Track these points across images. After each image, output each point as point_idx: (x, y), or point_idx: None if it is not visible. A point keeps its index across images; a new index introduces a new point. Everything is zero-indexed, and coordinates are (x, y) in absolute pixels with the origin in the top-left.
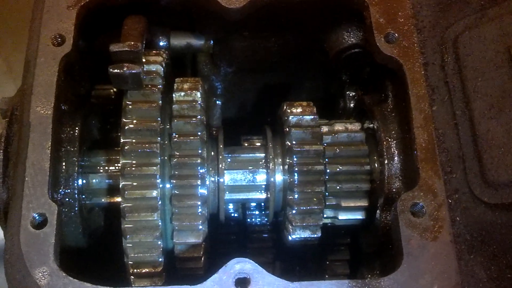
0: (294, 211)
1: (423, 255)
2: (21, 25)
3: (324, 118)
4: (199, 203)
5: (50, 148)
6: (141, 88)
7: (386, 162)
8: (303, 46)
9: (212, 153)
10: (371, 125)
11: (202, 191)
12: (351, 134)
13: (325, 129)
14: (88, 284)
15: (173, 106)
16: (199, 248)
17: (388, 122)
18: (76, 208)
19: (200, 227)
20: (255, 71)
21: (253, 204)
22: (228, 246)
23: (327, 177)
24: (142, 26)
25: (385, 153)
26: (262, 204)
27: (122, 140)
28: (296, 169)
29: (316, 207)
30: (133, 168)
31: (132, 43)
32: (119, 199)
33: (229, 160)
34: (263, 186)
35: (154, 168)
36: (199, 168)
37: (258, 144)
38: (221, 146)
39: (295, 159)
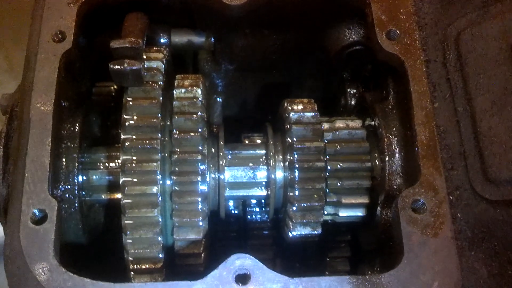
0: (294, 208)
1: (424, 251)
2: (22, 23)
3: (325, 115)
4: (199, 199)
5: (50, 144)
6: (141, 84)
7: (387, 159)
8: (304, 43)
9: (213, 150)
10: (372, 122)
11: (203, 187)
12: (352, 131)
13: (326, 126)
14: (87, 279)
15: (174, 102)
16: (199, 244)
17: (389, 119)
18: (76, 204)
19: (201, 223)
20: (256, 69)
21: (254, 201)
22: (228, 242)
23: (327, 174)
24: (143, 22)
25: (386, 150)
26: (263, 201)
27: (122, 137)
28: (297, 166)
29: (316, 204)
30: (134, 165)
31: (133, 39)
32: (119, 195)
33: (229, 157)
34: (264, 183)
35: (155, 164)
36: (199, 164)
37: (259, 141)
38: (221, 142)
39: (295, 156)
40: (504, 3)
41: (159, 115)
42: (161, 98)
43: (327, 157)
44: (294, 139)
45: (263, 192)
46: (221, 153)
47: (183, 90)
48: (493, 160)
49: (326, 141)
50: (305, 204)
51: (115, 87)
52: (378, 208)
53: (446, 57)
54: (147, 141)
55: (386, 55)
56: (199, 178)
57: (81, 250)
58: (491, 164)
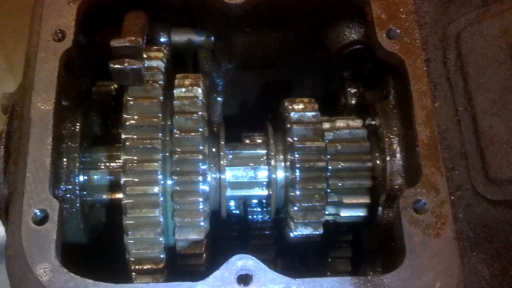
0: (296, 208)
1: (426, 252)
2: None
3: (325, 114)
4: (200, 199)
5: (51, 144)
6: (142, 84)
7: (388, 158)
8: (304, 43)
9: (214, 150)
10: (373, 122)
11: (204, 187)
12: (352, 131)
13: (326, 125)
14: (89, 280)
15: (174, 102)
16: (201, 244)
17: (390, 118)
18: (77, 204)
19: (202, 223)
20: (256, 68)
21: (255, 200)
22: (230, 242)
23: (329, 173)
24: (143, 21)
25: (387, 150)
26: (264, 200)
27: (123, 136)
28: (298, 165)
29: (318, 204)
30: (135, 164)
31: (133, 38)
32: (120, 195)
33: (230, 156)
34: (265, 183)
35: (156, 164)
36: (200, 164)
37: (260, 140)
38: (222, 142)
39: (296, 155)
40: (504, 1)
41: (160, 114)
42: (161, 97)
43: (328, 156)
44: (295, 138)
45: (264, 192)
46: (222, 153)
47: (183, 90)
48: (494, 159)
49: (327, 140)
50: (306, 204)
51: (115, 86)
52: (379, 208)
53: (446, 56)
54: (148, 141)
55: (386, 54)
56: (200, 178)
57: (82, 250)
58: (492, 164)
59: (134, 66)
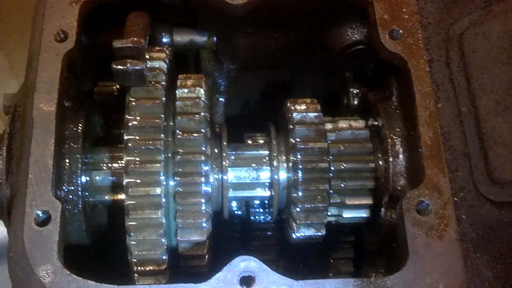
0: (298, 209)
1: (429, 253)
2: (23, 22)
3: (327, 115)
4: (203, 200)
5: (53, 145)
6: (144, 84)
7: (390, 159)
8: (306, 43)
9: (216, 150)
10: (376, 123)
11: (206, 188)
12: (355, 132)
13: (329, 126)
14: (92, 282)
15: (177, 103)
16: (203, 246)
17: (393, 119)
18: (80, 206)
19: (204, 224)
20: (258, 68)
21: (257, 201)
22: (232, 243)
23: (331, 174)
24: (145, 22)
25: (389, 151)
26: (266, 201)
27: (125, 137)
28: (300, 166)
29: (320, 205)
30: (137, 165)
31: (136, 39)
32: (122, 196)
33: (232, 157)
34: (267, 184)
35: (158, 165)
36: (203, 165)
37: (262, 141)
38: (224, 143)
39: (299, 156)
40: (507, 2)
41: (162, 115)
42: (164, 98)
43: (331, 157)
44: (298, 139)
45: (266, 193)
46: (224, 154)
47: (185, 90)
48: (497, 161)
49: (329, 141)
50: (308, 205)
51: (117, 86)
52: (382, 209)
53: (449, 57)
54: (151, 142)
55: (389, 55)
56: (202, 179)
57: (84, 251)
58: (496, 165)
59: (136, 67)
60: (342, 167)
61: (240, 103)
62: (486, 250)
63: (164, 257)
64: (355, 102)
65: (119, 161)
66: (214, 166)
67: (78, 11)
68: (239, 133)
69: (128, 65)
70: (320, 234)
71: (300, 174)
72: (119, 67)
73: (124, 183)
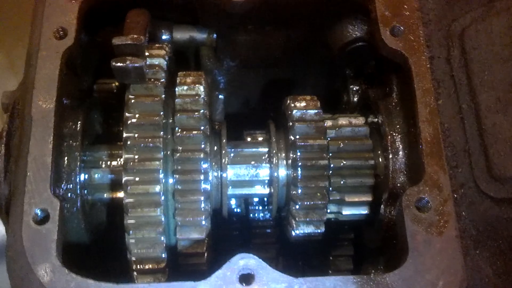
0: (297, 206)
1: (429, 250)
2: (22, 20)
3: (328, 112)
4: (202, 198)
5: (52, 142)
6: (144, 82)
7: (390, 156)
8: (307, 40)
9: (215, 148)
10: (376, 119)
11: (205, 186)
12: (355, 129)
13: (329, 123)
14: (91, 280)
15: (176, 100)
16: (202, 243)
17: (393, 116)
18: (78, 204)
19: (203, 222)
20: (258, 65)
21: (256, 199)
22: (231, 241)
23: (331, 171)
24: (145, 19)
25: (389, 148)
26: (265, 199)
27: (124, 135)
28: (300, 163)
29: (319, 202)
30: (136, 163)
31: (135, 36)
32: (121, 194)
33: (232, 154)
34: (267, 181)
35: (157, 163)
36: (202, 163)
37: (261, 138)
38: (224, 140)
39: (298, 153)
40: None
41: (162, 112)
42: (163, 95)
43: (330, 154)
44: (297, 136)
45: (265, 190)
46: (223, 151)
47: (185, 88)
48: (497, 157)
49: (329, 138)
50: (308, 203)
51: (117, 84)
52: (382, 206)
53: (450, 54)
54: (150, 139)
55: (389, 52)
56: (201, 177)
57: (83, 250)
58: (496, 162)
59: (136, 64)
60: (342, 164)
61: (240, 101)
62: (486, 246)
63: (163, 255)
64: (355, 99)
65: (118, 159)
66: (213, 163)
67: (78, 9)
68: (239, 130)
69: (128, 62)
70: (319, 231)
71: (299, 171)
72: (119, 64)
73: (123, 181)
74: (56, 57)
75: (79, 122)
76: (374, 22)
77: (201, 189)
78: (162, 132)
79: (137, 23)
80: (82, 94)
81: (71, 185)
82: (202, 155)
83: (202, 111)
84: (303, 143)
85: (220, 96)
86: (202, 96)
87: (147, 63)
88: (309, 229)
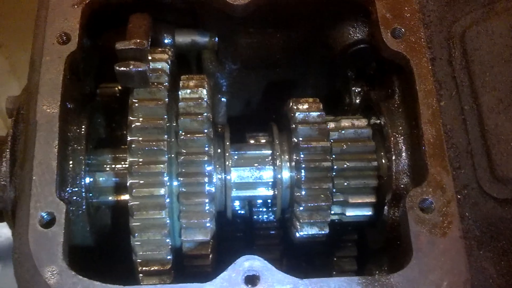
0: (301, 208)
1: (433, 251)
2: (24, 24)
3: (330, 114)
4: (206, 200)
5: (57, 146)
6: (147, 86)
7: (393, 158)
8: (308, 42)
9: (219, 151)
10: (378, 121)
11: (210, 188)
12: (358, 130)
13: (331, 125)
14: (97, 282)
15: (179, 103)
16: (207, 245)
17: (395, 117)
18: (84, 207)
19: (208, 224)
20: (260, 68)
21: (260, 201)
22: (235, 243)
23: (334, 173)
24: (147, 23)
25: (392, 149)
26: (269, 201)
27: (129, 138)
28: (303, 165)
29: (323, 204)
30: (141, 166)
31: (138, 40)
32: (125, 197)
33: (235, 157)
34: (270, 183)
35: (162, 166)
36: (206, 165)
37: (264, 141)
38: (227, 143)
39: (302, 155)
40: (509, 0)
41: (165, 116)
42: (166, 99)
43: (333, 156)
44: (300, 138)
45: (269, 192)
46: (227, 154)
47: (188, 91)
48: (500, 158)
49: (332, 140)
50: (312, 204)
51: (119, 88)
52: (385, 207)
53: (451, 55)
54: (154, 143)
55: (391, 54)
56: (206, 179)
57: (89, 252)
58: (499, 163)
59: (139, 69)
60: (345, 165)
61: (242, 103)
62: (490, 247)
63: (168, 257)
64: (357, 101)
65: (122, 162)
66: (217, 166)
67: (81, 14)
68: (241, 133)
69: (131, 67)
70: (323, 232)
71: (303, 173)
72: (122, 68)
73: (128, 184)
74: (59, 62)
75: (83, 126)
76: (375, 24)
77: (206, 191)
78: (166, 136)
79: (140, 27)
80: (85, 98)
81: (76, 188)
82: (206, 158)
83: (205, 114)
84: (306, 145)
85: (223, 99)
86: (205, 99)
87: (150, 67)
88: (313, 231)
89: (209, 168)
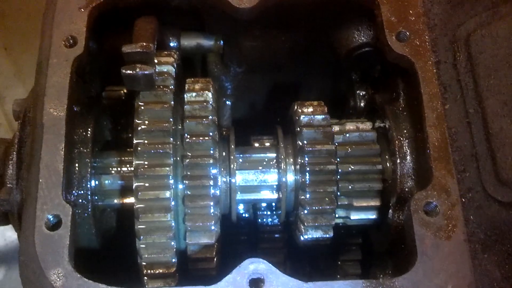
0: (306, 211)
1: (437, 254)
2: (30, 28)
3: (334, 117)
4: (211, 203)
5: (63, 149)
6: (153, 89)
7: (398, 161)
8: (313, 45)
9: (224, 154)
10: (383, 124)
11: (214, 191)
12: (362, 134)
13: (336, 128)
14: (102, 285)
15: (185, 106)
16: (212, 248)
17: (400, 121)
18: (89, 209)
19: (213, 227)
20: (264, 71)
21: (264, 204)
22: (240, 246)
23: (339, 176)
24: (153, 27)
25: (397, 152)
26: (274, 204)
27: (135, 141)
28: (308, 169)
29: (328, 207)
30: (146, 169)
31: (144, 44)
32: (131, 200)
33: (240, 160)
34: (275, 186)
35: (167, 168)
36: (211, 168)
37: (269, 144)
38: (232, 146)
39: (306, 159)
40: None
41: (171, 119)
42: (172, 102)
43: (338, 159)
44: (305, 142)
45: (274, 196)
46: (232, 157)
47: (193, 94)
48: (505, 161)
49: (336, 143)
50: (316, 207)
51: (125, 91)
52: (390, 210)
53: (456, 58)
54: (160, 146)
55: (396, 57)
56: (211, 182)
57: (95, 255)
58: (503, 166)
59: (146, 72)
60: (350, 169)
61: (247, 106)
62: (494, 250)
63: (173, 260)
64: (362, 104)
65: (127, 165)
66: (222, 169)
67: (87, 17)
68: (246, 136)
69: (138, 70)
70: (328, 236)
71: (307, 176)
72: (129, 71)
73: (133, 186)
74: (66, 65)
75: (89, 129)
76: (380, 27)
77: (211, 194)
78: (171, 138)
79: (146, 30)
80: (91, 101)
81: (82, 191)
82: (211, 161)
83: (210, 117)
84: (311, 148)
85: (228, 102)
86: (210, 102)
87: (156, 70)
88: (317, 234)
89: (214, 171)
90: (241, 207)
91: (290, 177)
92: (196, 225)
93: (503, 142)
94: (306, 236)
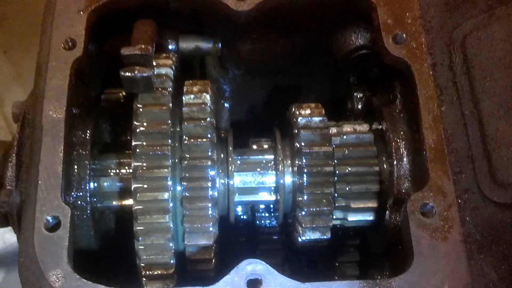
0: (303, 213)
1: (434, 255)
2: (29, 30)
3: (332, 119)
4: (209, 205)
5: (62, 151)
6: (152, 91)
7: (395, 163)
8: (311, 48)
9: (222, 155)
10: (380, 126)
11: (213, 193)
12: (359, 135)
13: (333, 130)
14: (101, 286)
15: (183, 108)
16: (210, 250)
17: (397, 122)
18: (88, 211)
19: (211, 229)
20: (263, 73)
21: (262, 206)
22: (238, 247)
23: (336, 178)
24: (152, 29)
25: (394, 154)
26: (271, 206)
27: (133, 143)
28: (305, 170)
29: (325, 209)
30: (145, 171)
31: (143, 46)
32: (129, 201)
33: (238, 162)
34: (273, 188)
35: (166, 170)
36: (209, 170)
37: (267, 146)
38: (230, 148)
39: (304, 160)
40: (510, 5)
41: (169, 121)
42: (171, 104)
43: (335, 161)
44: (303, 143)
45: (272, 197)
46: (230, 159)
47: (192, 96)
48: (500, 163)
49: (334, 145)
50: (314, 209)
51: (124, 93)
52: (387, 212)
53: (452, 61)
54: (158, 148)
55: (392, 59)
56: (209, 184)
57: (94, 256)
58: (499, 167)
59: (144, 74)
60: (347, 170)
61: (245, 108)
62: (490, 251)
63: (172, 261)
64: (359, 106)
65: (126, 167)
66: (220, 171)
67: (86, 19)
68: (244, 138)
69: (136, 72)
70: (325, 237)
71: (305, 178)
72: (127, 74)
73: (132, 188)
74: (65, 68)
75: (88, 131)
76: (377, 30)
77: (209, 196)
78: (170, 140)
79: (145, 33)
80: (90, 103)
81: (81, 193)
82: (209, 163)
83: (208, 119)
84: (308, 150)
85: (226, 104)
86: (208, 104)
87: (155, 72)
88: (315, 235)
89: (212, 173)
90: (239, 208)
91: (288, 179)
92: (194, 227)
93: (499, 143)
94: (304, 238)
